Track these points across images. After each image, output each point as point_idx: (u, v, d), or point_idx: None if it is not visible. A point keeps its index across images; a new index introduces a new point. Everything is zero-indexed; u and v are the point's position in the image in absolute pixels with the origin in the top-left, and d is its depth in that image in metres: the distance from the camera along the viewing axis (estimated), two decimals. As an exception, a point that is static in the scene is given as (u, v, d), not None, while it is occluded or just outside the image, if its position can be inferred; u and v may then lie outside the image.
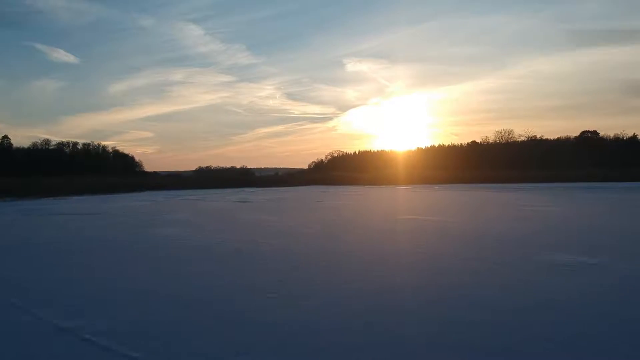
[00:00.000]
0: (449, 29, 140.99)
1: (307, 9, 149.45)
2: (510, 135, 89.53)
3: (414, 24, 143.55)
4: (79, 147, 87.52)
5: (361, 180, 62.99)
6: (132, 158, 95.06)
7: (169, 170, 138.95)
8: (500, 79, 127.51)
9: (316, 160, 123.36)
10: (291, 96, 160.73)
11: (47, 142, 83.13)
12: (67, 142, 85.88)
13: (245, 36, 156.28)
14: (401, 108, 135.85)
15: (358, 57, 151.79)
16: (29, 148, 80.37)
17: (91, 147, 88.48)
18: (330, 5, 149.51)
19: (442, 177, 63.02)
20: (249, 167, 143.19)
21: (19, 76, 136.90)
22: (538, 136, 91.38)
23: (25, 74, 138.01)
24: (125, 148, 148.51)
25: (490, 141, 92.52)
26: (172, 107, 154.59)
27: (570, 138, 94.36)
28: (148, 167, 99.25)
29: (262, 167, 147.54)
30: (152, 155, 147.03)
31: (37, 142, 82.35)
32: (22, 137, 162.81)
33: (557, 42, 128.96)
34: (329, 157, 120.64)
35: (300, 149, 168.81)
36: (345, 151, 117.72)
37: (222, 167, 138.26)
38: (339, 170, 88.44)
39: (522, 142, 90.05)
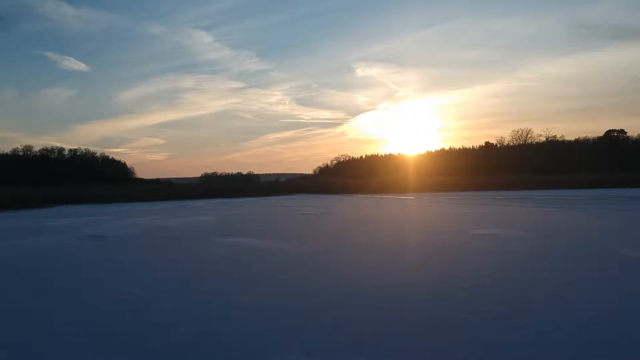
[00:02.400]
0: (459, 33, 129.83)
1: (316, 14, 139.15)
2: (529, 135, 75.55)
3: (423, 28, 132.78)
4: (65, 154, 76.76)
5: (365, 188, 49.43)
6: (125, 165, 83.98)
7: (181, 177, 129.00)
8: (511, 82, 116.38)
9: (322, 165, 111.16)
10: (301, 102, 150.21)
11: (28, 148, 72.55)
12: (52, 149, 75.14)
13: (255, 42, 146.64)
14: (411, 112, 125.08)
15: (367, 62, 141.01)
16: (6, 155, 69.87)
17: (79, 153, 77.68)
18: (339, 11, 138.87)
19: (455, 183, 49.50)
20: (255, 173, 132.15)
21: (30, 84, 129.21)
22: (558, 136, 77.26)
23: (36, 83, 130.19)
24: (136, 155, 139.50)
25: (506, 142, 78.74)
26: (182, 113, 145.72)
27: (589, 139, 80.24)
28: (160, 175, 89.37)
29: (271, 172, 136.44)
30: (163, 162, 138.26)
31: (17, 148, 71.81)
32: (33, 145, 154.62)
33: (568, 44, 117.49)
34: (335, 161, 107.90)
35: (311, 154, 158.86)
36: (352, 155, 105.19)
37: (228, 174, 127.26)
38: (345, 176, 75.60)
39: (542, 143, 76.05)
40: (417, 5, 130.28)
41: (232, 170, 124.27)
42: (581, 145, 78.42)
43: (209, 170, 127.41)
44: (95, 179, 65.07)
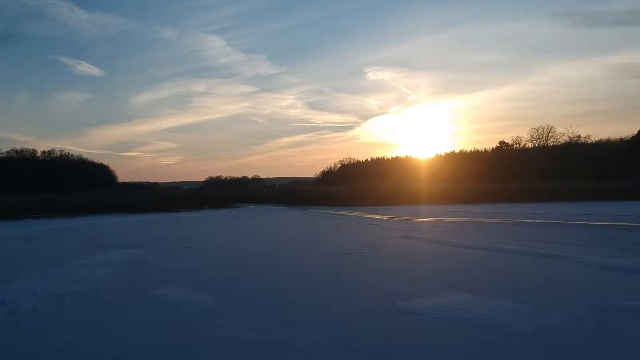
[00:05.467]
0: (471, 37, 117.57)
1: (327, 18, 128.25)
2: (550, 135, 61.09)
3: (435, 31, 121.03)
4: (39, 156, 65.91)
5: (364, 197, 35.23)
6: (106, 168, 72.84)
7: (192, 180, 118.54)
8: (524, 86, 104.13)
9: (326, 169, 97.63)
10: (312, 105, 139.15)
11: (-5, 150, 62.08)
12: (21, 150, 64.31)
13: (266, 46, 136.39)
14: (423, 116, 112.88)
15: (379, 65, 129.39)
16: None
17: (53, 155, 66.79)
18: (351, 15, 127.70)
19: (466, 193, 35.60)
20: (262, 177, 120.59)
21: (44, 89, 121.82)
22: (583, 136, 62.32)
23: (50, 87, 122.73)
24: (149, 159, 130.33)
25: (524, 143, 64.39)
26: (194, 117, 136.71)
27: (612, 140, 64.92)
28: (173, 178, 79.67)
29: (279, 176, 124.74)
30: (175, 166, 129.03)
31: (-20, 151, 61.41)
32: (47, 149, 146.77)
33: (581, 47, 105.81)
34: (339, 164, 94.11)
35: (322, 158, 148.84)
36: (357, 159, 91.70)
37: (233, 177, 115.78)
38: (349, 182, 61.93)
39: (565, 144, 61.46)
40: (429, 9, 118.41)
41: (238, 174, 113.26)
42: (607, 148, 62.89)
43: (214, 174, 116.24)
44: (66, 182, 54.18)
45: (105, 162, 75.01)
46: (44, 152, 65.24)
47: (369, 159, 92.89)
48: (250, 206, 33.69)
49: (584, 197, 33.40)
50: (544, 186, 37.57)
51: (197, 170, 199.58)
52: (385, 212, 24.21)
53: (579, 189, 35.60)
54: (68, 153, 67.55)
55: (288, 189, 47.40)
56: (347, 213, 24.66)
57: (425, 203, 32.65)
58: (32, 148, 64.27)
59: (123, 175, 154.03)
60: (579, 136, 61.52)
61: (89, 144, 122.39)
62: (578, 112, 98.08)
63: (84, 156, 67.87)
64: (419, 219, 19.41)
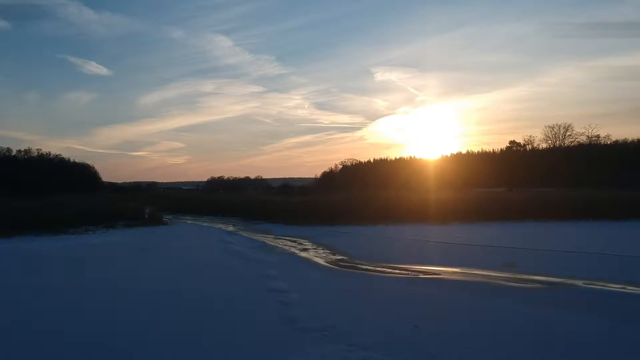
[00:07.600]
0: (479, 37, 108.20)
1: (335, 19, 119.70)
2: (568, 133, 50.81)
3: (443, 32, 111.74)
4: (14, 155, 58.39)
5: (345, 212, 24.03)
6: (90, 168, 64.91)
7: (199, 181, 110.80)
8: (533, 87, 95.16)
9: (327, 170, 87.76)
10: (320, 106, 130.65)
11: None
12: (-1, 148, 56.61)
13: (274, 47, 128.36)
14: (431, 117, 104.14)
15: (387, 66, 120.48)
16: None
17: (30, 155, 59.12)
18: (359, 15, 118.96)
19: (475, 206, 25.32)
20: (265, 177, 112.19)
21: (53, 88, 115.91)
22: (602, 136, 51.66)
23: (58, 87, 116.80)
24: (157, 159, 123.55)
25: (537, 143, 54.17)
26: (202, 117, 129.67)
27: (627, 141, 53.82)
28: (181, 178, 72.72)
29: (287, 177, 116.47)
30: (183, 166, 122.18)
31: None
32: (55, 148, 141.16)
33: (591, 48, 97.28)
34: (340, 165, 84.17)
35: (329, 159, 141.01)
36: (359, 160, 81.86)
37: (235, 178, 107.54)
38: (350, 184, 52.13)
39: (585, 144, 51.06)
40: (437, 9, 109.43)
41: (244, 174, 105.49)
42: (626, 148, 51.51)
43: (219, 175, 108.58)
44: (37, 184, 46.47)
45: (110, 161, 67.55)
46: (19, 151, 57.58)
47: (372, 160, 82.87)
48: (188, 221, 24.85)
49: (632, 214, 23.25)
50: (570, 196, 27.85)
51: (205, 170, 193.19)
52: (349, 242, 15.17)
53: (622, 202, 25.03)
54: (49, 152, 60.02)
55: (245, 199, 35.82)
56: (289, 242, 15.60)
57: (421, 220, 23.23)
58: (6, 147, 56.72)
59: (131, 175, 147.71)
60: (597, 136, 51.11)
61: (97, 143, 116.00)
62: (589, 114, 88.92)
63: (88, 156, 60.48)
64: (385, 273, 10.30)
